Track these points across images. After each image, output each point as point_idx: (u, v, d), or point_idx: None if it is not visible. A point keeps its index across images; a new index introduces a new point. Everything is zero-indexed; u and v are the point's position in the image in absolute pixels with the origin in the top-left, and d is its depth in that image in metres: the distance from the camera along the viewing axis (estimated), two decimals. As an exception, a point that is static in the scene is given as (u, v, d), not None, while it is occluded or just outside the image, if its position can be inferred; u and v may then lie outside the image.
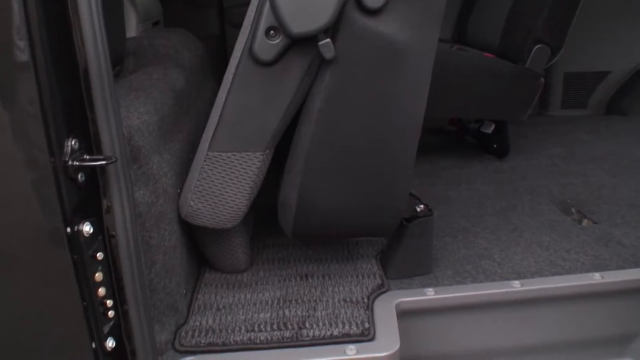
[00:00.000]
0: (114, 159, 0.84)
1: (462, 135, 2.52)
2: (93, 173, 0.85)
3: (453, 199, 1.83)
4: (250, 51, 1.05)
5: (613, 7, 2.72)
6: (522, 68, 2.00)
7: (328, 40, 1.01)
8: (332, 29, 1.03)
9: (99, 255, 0.87)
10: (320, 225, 1.19)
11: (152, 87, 1.24)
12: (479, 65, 2.06)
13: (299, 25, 0.99)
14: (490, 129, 2.21)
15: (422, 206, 1.33)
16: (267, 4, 1.01)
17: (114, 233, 0.89)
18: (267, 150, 1.11)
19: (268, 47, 1.03)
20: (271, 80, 1.07)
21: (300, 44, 1.03)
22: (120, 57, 1.48)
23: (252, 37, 1.04)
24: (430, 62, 1.11)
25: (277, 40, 1.03)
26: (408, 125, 1.15)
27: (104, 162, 0.84)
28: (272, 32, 1.03)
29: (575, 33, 2.11)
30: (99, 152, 0.85)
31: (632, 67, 2.91)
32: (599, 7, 2.61)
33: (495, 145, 2.24)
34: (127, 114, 1.03)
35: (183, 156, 1.25)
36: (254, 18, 1.05)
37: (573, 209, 1.73)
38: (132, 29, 1.63)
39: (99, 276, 0.87)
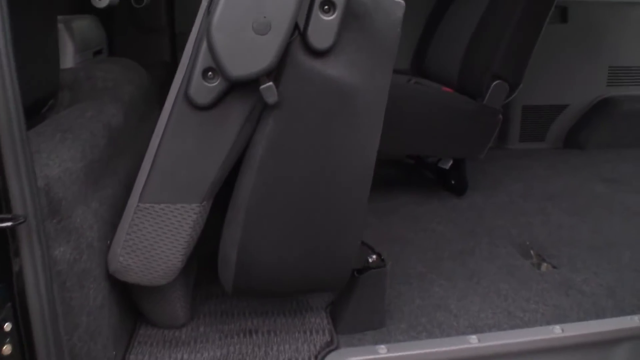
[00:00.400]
0: (22, 220, 0.74)
1: (420, 169, 2.47)
2: (1, 232, 0.75)
3: (410, 240, 1.76)
4: (185, 94, 0.96)
5: (570, 41, 2.73)
6: (480, 105, 1.96)
7: (271, 83, 0.93)
8: (276, 71, 0.95)
9: (7, 326, 0.77)
10: (263, 282, 1.09)
11: (83, 126, 1.14)
12: (436, 101, 2.01)
13: (239, 68, 0.91)
14: (447, 164, 2.16)
15: (374, 256, 1.25)
16: (205, 43, 0.93)
17: (25, 298, 0.79)
18: (205, 202, 1.02)
19: (205, 90, 0.95)
20: (209, 126, 0.98)
21: (241, 87, 0.95)
22: (54, 90, 1.37)
23: (188, 78, 0.96)
24: (382, 106, 1.04)
25: (215, 83, 0.94)
26: (358, 172, 1.07)
27: (9, 224, 0.74)
28: (209, 73, 0.94)
29: (534, 66, 2.09)
30: (8, 209, 0.75)
31: (589, 101, 2.94)
32: (557, 41, 2.62)
33: (453, 182, 2.19)
34: (47, 161, 0.93)
35: (117, 203, 1.14)
36: (190, 57, 0.96)
37: (532, 252, 1.67)
38: (68, 59, 1.52)
39: (7, 349, 0.77)
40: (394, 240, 1.73)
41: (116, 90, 1.50)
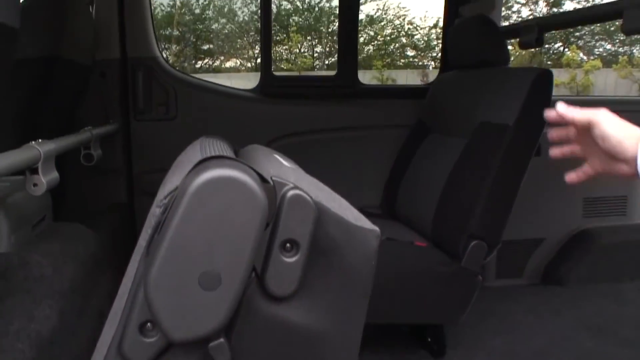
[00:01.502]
0: None
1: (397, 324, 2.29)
2: None
3: None
4: (119, 349, 0.79)
5: (544, 174, 2.68)
6: (457, 267, 1.83)
7: (221, 340, 0.77)
8: (228, 324, 0.79)
9: None
10: None
11: (5, 345, 0.95)
12: (409, 263, 1.89)
13: (182, 329, 0.74)
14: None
15: None
16: (142, 293, 0.77)
17: None
18: None
19: (141, 346, 0.78)
20: (145, 386, 0.80)
21: (184, 345, 0.78)
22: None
23: (122, 331, 0.79)
24: (356, 346, 0.88)
25: (154, 339, 0.78)
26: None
27: None
28: (148, 325, 0.78)
29: None
30: None
31: (566, 234, 2.86)
32: (530, 174, 2.56)
33: (429, 339, 2.02)
34: None
35: None
36: (124, 306, 0.80)
37: None
38: (2, 243, 1.34)
39: None
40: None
41: (54, 278, 1.32)
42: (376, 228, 0.87)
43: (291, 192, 0.78)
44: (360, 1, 2.74)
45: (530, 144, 1.85)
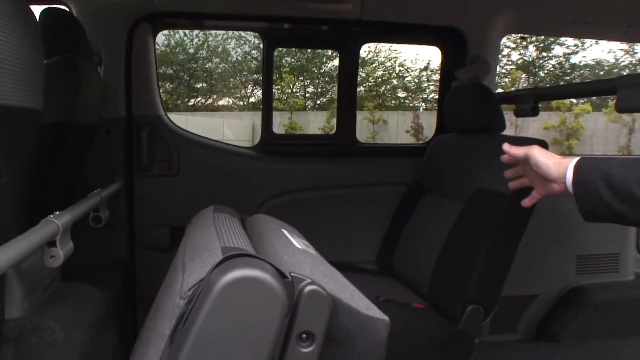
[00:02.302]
0: None
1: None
2: None
3: None
4: None
5: (537, 230, 2.75)
6: (454, 331, 1.87)
7: None
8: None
9: None
10: None
11: None
12: (407, 327, 1.91)
13: None
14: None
15: None
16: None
17: None
18: None
19: None
20: None
21: None
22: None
23: None
24: None
25: None
26: None
27: None
28: None
29: None
30: None
31: (559, 291, 2.91)
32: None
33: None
34: None
35: None
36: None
37: None
38: (15, 308, 1.37)
39: None
40: None
41: (65, 344, 1.36)
42: (386, 318, 0.92)
43: (308, 288, 0.83)
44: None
45: (527, 213, 1.91)
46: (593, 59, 16.98)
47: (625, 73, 12.78)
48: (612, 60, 15.78)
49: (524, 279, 2.81)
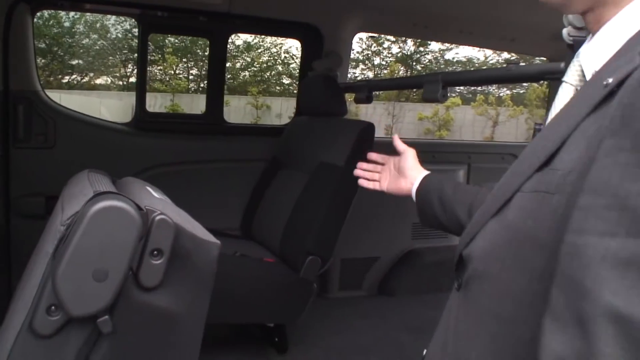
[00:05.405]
0: None
1: (247, 326, 2.70)
2: None
3: None
4: (30, 325, 1.12)
5: (379, 203, 3.22)
6: (297, 278, 2.28)
7: (107, 317, 1.13)
8: (111, 305, 1.16)
9: None
10: None
11: None
12: (258, 274, 2.30)
13: (79, 308, 1.10)
14: (271, 324, 2.43)
15: None
16: (49, 285, 1.11)
17: None
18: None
19: (48, 322, 1.12)
20: (49, 351, 1.14)
21: (79, 319, 1.14)
22: None
23: (32, 312, 1.12)
24: (201, 327, 1.28)
25: (57, 317, 1.12)
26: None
27: None
28: (52, 308, 1.12)
29: (350, 224, 2.47)
30: None
31: (397, 253, 3.41)
32: (368, 203, 3.08)
33: (276, 339, 2.45)
34: None
35: None
36: (35, 294, 1.14)
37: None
38: None
39: None
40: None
41: None
42: (217, 241, 1.28)
43: (158, 217, 1.17)
44: (230, 39, 3.14)
45: (356, 181, 2.34)
46: (465, 56, 18.24)
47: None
48: (482, 58, 17.14)
49: (367, 243, 3.30)
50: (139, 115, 2.92)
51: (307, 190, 2.44)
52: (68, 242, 1.11)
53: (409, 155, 1.38)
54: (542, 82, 3.80)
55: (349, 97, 3.03)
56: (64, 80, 15.35)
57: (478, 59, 17.30)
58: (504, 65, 1.93)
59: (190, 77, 15.94)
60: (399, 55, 17.27)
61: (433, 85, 2.09)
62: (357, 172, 1.54)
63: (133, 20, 2.88)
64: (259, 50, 16.28)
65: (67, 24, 14.73)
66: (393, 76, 16.38)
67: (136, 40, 2.97)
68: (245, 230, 2.88)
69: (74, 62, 15.38)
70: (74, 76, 15.49)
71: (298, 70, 3.32)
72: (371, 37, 16.31)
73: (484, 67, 16.61)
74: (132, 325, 1.19)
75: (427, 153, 3.20)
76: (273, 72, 16.79)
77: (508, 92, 16.62)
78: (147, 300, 1.19)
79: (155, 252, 1.18)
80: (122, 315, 1.17)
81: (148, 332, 1.21)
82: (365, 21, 3.18)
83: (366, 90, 2.61)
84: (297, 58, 16.66)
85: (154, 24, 2.93)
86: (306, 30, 3.13)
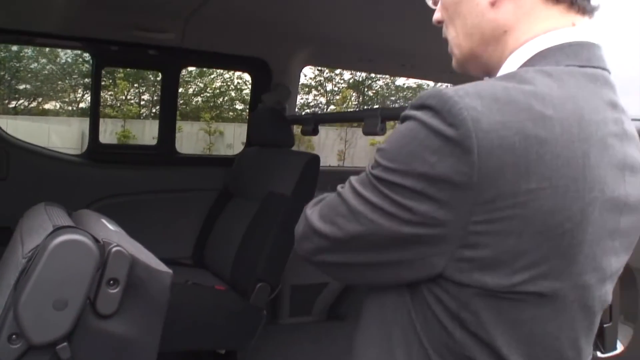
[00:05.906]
0: None
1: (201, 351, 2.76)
2: None
3: None
4: (-10, 355, 1.20)
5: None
6: (246, 305, 2.37)
7: (65, 344, 1.22)
8: (70, 332, 1.24)
9: None
10: None
11: None
12: (209, 302, 2.38)
13: (40, 336, 1.19)
14: (223, 350, 2.50)
15: None
16: (11, 314, 1.19)
17: None
18: None
19: (9, 351, 1.20)
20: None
21: (40, 347, 1.22)
22: None
23: None
24: (155, 349, 1.37)
25: (18, 345, 1.20)
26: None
27: None
28: (14, 336, 1.20)
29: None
30: None
31: (347, 279, 3.52)
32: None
33: (226, 366, 2.53)
34: None
35: None
36: (-5, 326, 1.21)
37: None
38: None
39: None
40: None
41: None
42: (170, 271, 1.38)
43: (115, 249, 1.27)
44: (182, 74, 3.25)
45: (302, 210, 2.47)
46: (415, 82, 18.65)
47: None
48: (432, 84, 17.56)
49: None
50: (92, 146, 2.98)
51: (256, 218, 2.55)
52: (30, 274, 1.19)
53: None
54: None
55: (298, 127, 3.16)
56: (11, 106, 15.02)
57: (428, 84, 17.76)
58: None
59: (142, 102, 15.82)
60: (350, 81, 17.59)
61: (373, 120, 2.25)
62: None
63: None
64: (212, 76, 16.30)
65: (14, 48, 14.47)
66: (345, 101, 16.69)
67: (87, 65, 3.03)
68: (197, 259, 2.95)
69: (21, 87, 15.08)
70: (21, 101, 15.17)
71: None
72: (323, 64, 16.58)
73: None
74: (89, 351, 1.27)
75: None
76: (226, 97, 16.81)
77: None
78: (103, 327, 1.28)
79: (112, 282, 1.28)
80: (80, 342, 1.26)
81: (104, 357, 1.30)
82: (313, 55, 3.35)
83: (312, 123, 2.76)
84: (249, 84, 16.82)
85: (107, 58, 3.01)
86: (255, 64, 3.27)
